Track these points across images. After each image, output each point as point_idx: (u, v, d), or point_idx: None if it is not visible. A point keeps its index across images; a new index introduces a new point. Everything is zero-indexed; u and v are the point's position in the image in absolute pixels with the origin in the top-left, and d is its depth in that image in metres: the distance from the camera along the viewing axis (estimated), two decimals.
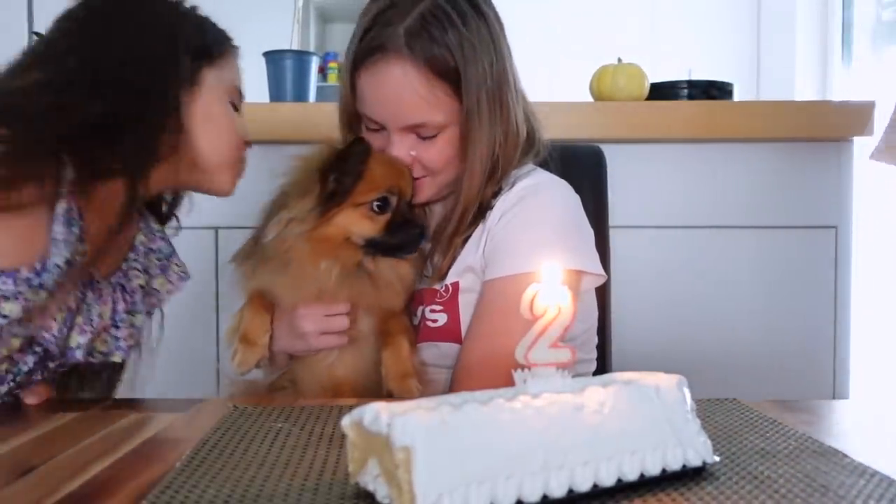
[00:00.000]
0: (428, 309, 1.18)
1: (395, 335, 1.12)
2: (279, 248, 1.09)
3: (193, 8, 1.10)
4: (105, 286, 1.05)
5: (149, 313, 1.15)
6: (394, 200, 1.11)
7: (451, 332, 1.16)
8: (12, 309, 0.89)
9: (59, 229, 0.92)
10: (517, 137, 1.18)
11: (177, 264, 1.19)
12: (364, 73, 1.11)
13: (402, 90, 1.09)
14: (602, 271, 1.17)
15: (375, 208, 1.09)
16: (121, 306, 1.06)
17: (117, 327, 1.05)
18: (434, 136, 1.13)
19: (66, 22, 1.03)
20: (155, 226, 1.18)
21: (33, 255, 0.90)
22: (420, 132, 1.12)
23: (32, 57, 1.01)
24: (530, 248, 1.10)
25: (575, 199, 1.21)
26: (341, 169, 1.07)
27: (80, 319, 0.98)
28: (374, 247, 1.10)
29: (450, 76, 1.10)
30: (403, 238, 1.11)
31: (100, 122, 0.95)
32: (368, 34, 1.11)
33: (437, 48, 1.08)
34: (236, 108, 1.12)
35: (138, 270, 1.12)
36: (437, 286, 1.18)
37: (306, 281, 1.09)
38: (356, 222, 1.09)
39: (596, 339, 1.31)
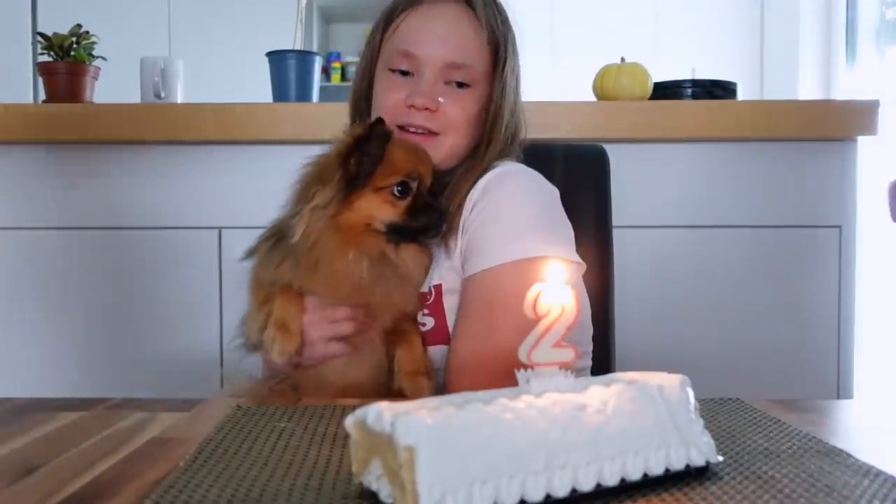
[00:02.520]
0: (420, 314, 1.18)
1: (410, 334, 1.12)
2: (306, 244, 1.07)
3: None
4: None
5: None
6: (414, 185, 1.10)
7: (438, 335, 1.16)
8: None
9: None
10: (517, 134, 1.23)
11: None
12: (417, 11, 1.18)
13: (456, 28, 1.17)
14: (577, 258, 1.15)
15: (396, 193, 1.09)
16: None
17: None
18: (465, 89, 1.18)
19: None
20: None
21: None
22: (456, 76, 1.17)
23: None
24: (502, 240, 1.11)
25: (543, 186, 1.20)
26: (363, 150, 1.07)
27: None
28: (397, 232, 1.10)
29: (492, 38, 1.19)
30: (425, 221, 1.11)
31: None
32: None
33: (491, 16, 1.20)
34: None
35: None
36: (422, 290, 1.18)
37: (338, 276, 1.08)
38: (377, 207, 1.08)
39: (591, 330, 1.29)
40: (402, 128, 1.17)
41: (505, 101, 1.20)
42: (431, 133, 1.17)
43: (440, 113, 1.17)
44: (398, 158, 1.09)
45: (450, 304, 1.16)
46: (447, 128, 1.17)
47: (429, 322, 1.17)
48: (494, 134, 1.20)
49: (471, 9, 1.18)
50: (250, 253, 1.18)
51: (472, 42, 1.17)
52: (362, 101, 1.25)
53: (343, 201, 1.07)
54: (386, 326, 1.13)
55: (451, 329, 1.15)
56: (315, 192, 1.08)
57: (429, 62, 1.16)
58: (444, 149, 1.19)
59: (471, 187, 1.18)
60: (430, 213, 1.12)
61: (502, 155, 1.22)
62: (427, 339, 1.16)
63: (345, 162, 1.07)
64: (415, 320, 1.16)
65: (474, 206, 1.16)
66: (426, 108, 1.16)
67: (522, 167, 1.23)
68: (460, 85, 1.18)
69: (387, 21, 1.21)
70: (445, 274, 1.17)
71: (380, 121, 1.08)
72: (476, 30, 1.18)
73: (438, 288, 1.17)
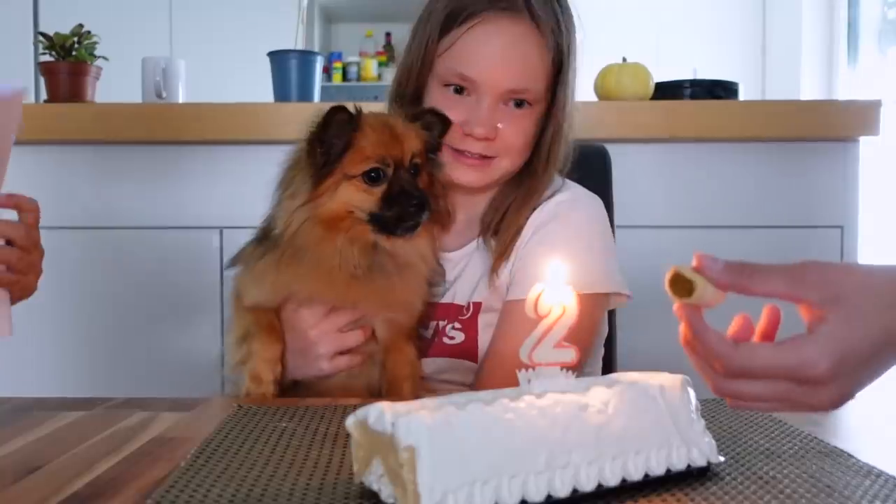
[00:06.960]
0: (449, 326, 1.16)
1: (400, 381, 1.08)
2: (287, 235, 1.04)
3: None
4: None
5: None
6: (388, 171, 1.04)
7: (467, 351, 1.15)
8: None
9: None
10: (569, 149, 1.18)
11: None
12: (476, 29, 1.09)
13: (519, 50, 1.09)
14: (627, 290, 1.15)
15: (368, 180, 1.04)
16: None
17: None
18: (523, 108, 1.11)
19: None
20: None
21: None
22: (515, 101, 1.10)
23: None
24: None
25: (602, 214, 1.19)
26: (323, 138, 1.03)
27: None
28: (377, 222, 1.04)
29: (554, 57, 1.11)
30: (400, 210, 1.04)
31: None
32: None
33: (556, 27, 1.10)
34: None
35: None
36: (458, 301, 1.16)
37: (326, 266, 1.04)
38: (353, 195, 1.03)
39: (602, 351, 1.30)
40: (456, 151, 1.12)
41: (566, 114, 1.13)
42: (487, 157, 1.12)
43: (498, 138, 1.10)
44: (370, 144, 1.04)
45: (484, 322, 1.14)
46: (504, 151, 1.12)
47: (458, 336, 1.15)
48: (553, 153, 1.14)
49: (535, 24, 1.08)
50: (235, 261, 1.14)
51: (534, 63, 1.09)
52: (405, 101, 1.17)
53: (315, 189, 1.03)
54: (386, 333, 1.10)
55: (480, 346, 1.14)
56: (292, 178, 1.06)
57: (488, 89, 1.08)
58: (500, 172, 1.14)
59: (531, 210, 1.15)
60: (406, 201, 1.04)
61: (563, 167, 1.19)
62: (454, 353, 1.15)
63: (312, 148, 1.04)
64: (408, 347, 1.11)
65: (536, 231, 1.13)
66: (485, 138, 1.10)
67: (586, 192, 1.20)
68: (519, 103, 1.11)
69: (442, 29, 1.10)
70: (487, 293, 1.15)
71: (338, 108, 1.02)
72: (540, 48, 1.09)
73: (477, 305, 1.15)
